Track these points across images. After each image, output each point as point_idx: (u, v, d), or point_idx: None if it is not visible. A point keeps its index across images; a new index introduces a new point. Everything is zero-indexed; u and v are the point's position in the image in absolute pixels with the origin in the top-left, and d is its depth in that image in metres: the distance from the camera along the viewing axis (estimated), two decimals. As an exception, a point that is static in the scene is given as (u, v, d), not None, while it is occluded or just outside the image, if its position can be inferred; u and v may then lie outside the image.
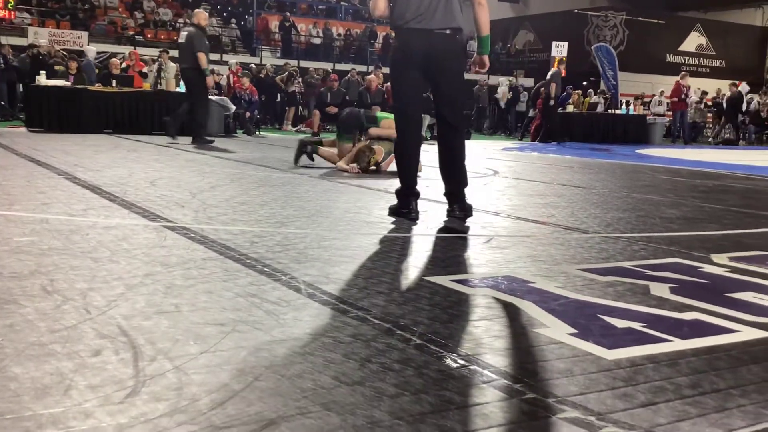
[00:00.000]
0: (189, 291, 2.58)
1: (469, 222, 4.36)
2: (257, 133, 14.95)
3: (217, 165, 7.72)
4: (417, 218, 4.44)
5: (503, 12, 34.08)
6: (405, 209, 4.50)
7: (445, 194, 4.45)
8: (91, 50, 17.25)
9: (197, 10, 11.09)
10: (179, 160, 7.99)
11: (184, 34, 10.90)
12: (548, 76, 16.34)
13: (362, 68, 22.95)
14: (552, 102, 15.92)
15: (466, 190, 4.44)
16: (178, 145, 10.29)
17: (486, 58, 4.62)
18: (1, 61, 15.31)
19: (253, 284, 2.71)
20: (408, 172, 4.53)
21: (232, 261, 3.08)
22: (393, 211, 4.57)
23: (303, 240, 3.65)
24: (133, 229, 3.72)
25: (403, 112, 4.52)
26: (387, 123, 7.48)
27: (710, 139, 21.14)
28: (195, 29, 10.65)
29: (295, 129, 17.66)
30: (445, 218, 4.42)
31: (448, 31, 4.39)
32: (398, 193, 4.59)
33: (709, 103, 22.38)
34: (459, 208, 4.35)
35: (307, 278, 2.83)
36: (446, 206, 4.44)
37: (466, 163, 4.46)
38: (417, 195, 4.55)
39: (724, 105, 20.68)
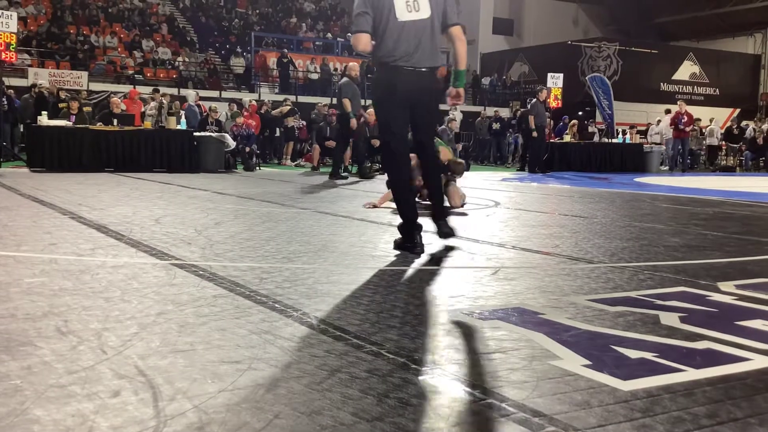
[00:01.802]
0: (202, 329, 2.59)
1: (471, 253, 4.39)
2: (257, 168, 15.02)
3: (220, 201, 7.76)
4: (422, 251, 4.47)
5: (498, 44, 34.50)
6: (410, 243, 4.53)
7: (433, 206, 4.68)
8: (191, 94, 17.54)
9: (351, 63, 12.47)
10: (182, 197, 8.03)
11: (339, 83, 12.45)
12: (528, 107, 16.56)
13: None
14: (534, 134, 16.01)
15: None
16: (180, 182, 10.34)
17: (462, 90, 4.73)
18: (5, 102, 15.43)
19: (265, 321, 2.72)
20: (407, 206, 4.57)
21: (243, 298, 3.10)
22: (398, 245, 4.60)
23: (311, 275, 3.67)
24: (142, 268, 3.74)
25: (393, 149, 4.57)
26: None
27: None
28: (347, 79, 12.13)
29: (294, 164, 17.74)
30: (437, 230, 4.70)
31: (433, 69, 4.53)
32: (401, 228, 4.63)
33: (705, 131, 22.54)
34: (444, 221, 4.67)
35: (319, 314, 2.85)
36: (431, 218, 4.73)
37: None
38: (419, 228, 4.58)
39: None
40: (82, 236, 4.82)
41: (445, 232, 4.69)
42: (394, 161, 4.60)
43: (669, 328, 2.77)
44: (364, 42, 4.43)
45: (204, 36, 28.10)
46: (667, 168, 19.69)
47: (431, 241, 5.01)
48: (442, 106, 7.57)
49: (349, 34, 28.86)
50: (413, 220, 4.54)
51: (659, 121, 20.72)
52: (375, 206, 7.50)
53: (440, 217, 4.73)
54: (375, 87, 4.89)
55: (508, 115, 23.33)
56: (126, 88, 20.45)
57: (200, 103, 17.51)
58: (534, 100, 16.40)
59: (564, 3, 36.09)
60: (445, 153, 7.73)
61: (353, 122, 11.92)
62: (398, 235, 4.64)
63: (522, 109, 19.47)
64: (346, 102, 11.68)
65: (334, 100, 23.52)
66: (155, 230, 5.18)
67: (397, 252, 4.49)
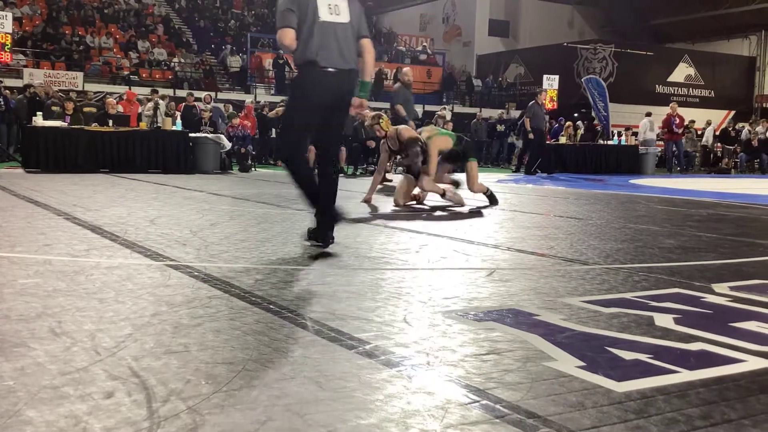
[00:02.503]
0: (196, 330, 2.59)
1: (466, 254, 4.40)
2: (253, 169, 15.00)
3: (215, 202, 7.75)
4: (332, 242, 4.60)
5: (494, 46, 34.54)
6: (322, 234, 4.62)
7: (322, 215, 4.64)
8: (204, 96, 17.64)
9: (405, 68, 12.63)
10: (177, 198, 8.02)
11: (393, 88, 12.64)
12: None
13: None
14: (531, 135, 16.01)
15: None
16: (175, 183, 10.32)
17: (365, 101, 4.80)
18: (2, 102, 15.39)
19: (259, 322, 2.72)
20: (315, 197, 4.64)
21: (238, 299, 3.10)
22: (311, 235, 4.69)
23: (306, 276, 3.67)
24: (136, 269, 3.73)
25: (297, 143, 4.67)
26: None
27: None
28: (399, 84, 12.17)
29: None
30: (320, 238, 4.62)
31: (352, 72, 4.64)
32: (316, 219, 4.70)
33: (699, 132, 22.59)
34: (331, 234, 4.64)
35: (314, 315, 2.84)
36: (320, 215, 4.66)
37: None
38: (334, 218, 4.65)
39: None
40: (76, 237, 4.81)
41: (329, 237, 4.63)
42: (297, 155, 4.67)
43: (663, 329, 2.78)
44: (290, 37, 4.48)
45: (200, 37, 28.09)
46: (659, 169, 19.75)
47: (427, 243, 5.02)
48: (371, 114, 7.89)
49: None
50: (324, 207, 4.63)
51: (652, 122, 20.72)
52: (368, 201, 7.72)
53: (331, 224, 4.66)
54: (295, 85, 4.99)
55: (505, 116, 23.34)
56: (121, 89, 20.42)
57: (195, 103, 17.48)
58: (532, 102, 16.39)
59: (560, 5, 36.15)
60: (447, 142, 7.84)
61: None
62: (397, 238, 4.64)
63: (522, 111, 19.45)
64: (399, 108, 11.53)
65: (330, 102, 23.64)
66: (150, 231, 5.17)
67: (394, 253, 4.49)
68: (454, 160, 7.94)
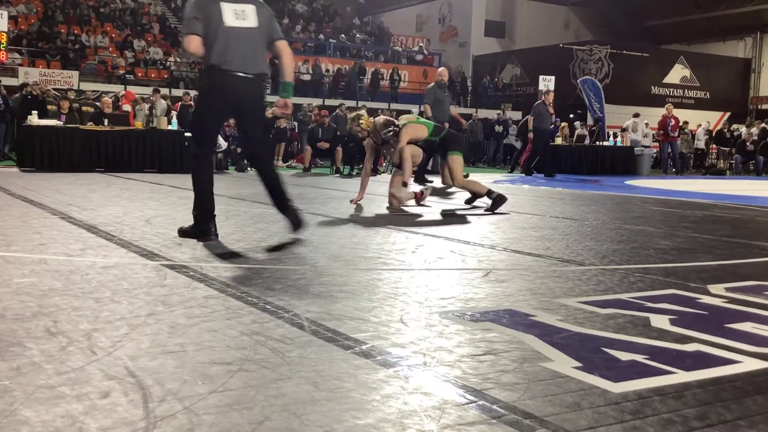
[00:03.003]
0: (193, 330, 2.58)
1: (463, 255, 4.40)
2: (249, 169, 14.98)
3: (211, 202, 7.73)
4: (216, 237, 4.80)
5: (490, 46, 34.57)
6: (206, 230, 4.80)
7: (278, 206, 4.96)
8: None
9: (441, 68, 12.36)
10: (173, 198, 8.00)
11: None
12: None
13: (351, 103, 23.13)
14: (530, 134, 15.98)
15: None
16: (171, 183, 10.30)
17: (289, 101, 4.97)
18: (1, 102, 15.34)
19: (256, 322, 2.72)
20: (209, 199, 4.85)
21: (234, 299, 3.09)
22: (186, 233, 4.86)
23: (303, 276, 3.67)
24: (132, 269, 3.72)
25: (203, 143, 4.93)
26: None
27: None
28: (432, 84, 11.99)
29: (285, 164, 17.71)
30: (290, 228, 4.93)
31: (259, 76, 4.84)
32: (198, 217, 4.84)
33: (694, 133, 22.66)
34: (292, 212, 4.93)
35: (310, 315, 2.84)
36: (281, 212, 4.97)
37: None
38: (214, 218, 4.87)
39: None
40: (72, 236, 4.80)
41: (297, 221, 4.93)
42: (200, 161, 4.91)
43: (659, 330, 2.78)
44: (195, 44, 4.66)
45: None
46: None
47: (423, 243, 5.02)
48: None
49: (336, 37, 28.65)
50: (212, 212, 4.85)
51: (647, 123, 20.77)
52: (357, 201, 7.59)
53: (295, 220, 4.94)
54: (201, 90, 5.22)
55: (502, 117, 23.35)
56: (117, 88, 20.40)
57: (191, 103, 17.45)
58: (539, 102, 16.35)
59: (556, 6, 36.21)
60: (422, 131, 7.48)
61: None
62: (391, 237, 4.64)
63: (528, 115, 19.42)
64: (427, 108, 11.51)
65: (326, 102, 23.64)
66: (146, 231, 5.16)
67: (390, 254, 4.50)
68: (429, 151, 7.75)
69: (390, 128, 7.43)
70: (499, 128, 22.13)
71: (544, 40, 32.06)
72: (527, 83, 29.43)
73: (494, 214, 7.23)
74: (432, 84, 12.06)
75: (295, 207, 4.97)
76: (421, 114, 11.37)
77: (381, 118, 7.71)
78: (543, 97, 16.27)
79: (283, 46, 4.92)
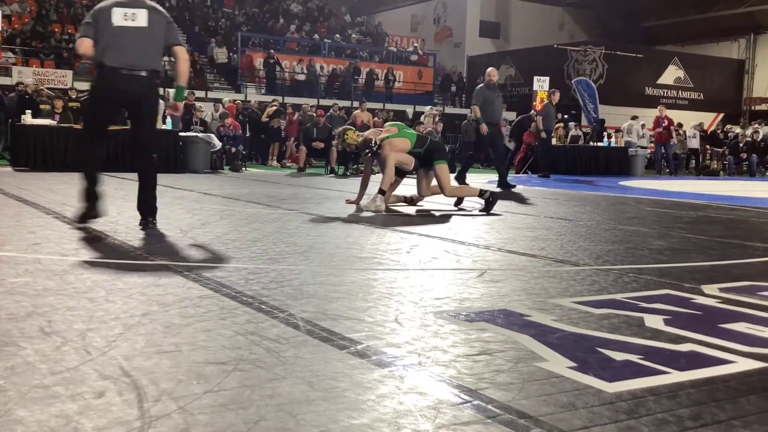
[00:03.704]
0: (187, 330, 2.58)
1: (457, 255, 4.40)
2: (243, 169, 14.97)
3: (206, 202, 7.73)
4: (98, 215, 5.19)
5: (485, 47, 34.60)
6: (92, 210, 5.17)
7: (140, 210, 5.26)
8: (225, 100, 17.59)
9: (490, 68, 11.78)
10: (167, 198, 7.98)
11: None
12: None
13: (346, 104, 23.13)
14: (543, 135, 15.91)
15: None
16: (165, 183, 10.27)
17: (180, 105, 5.42)
18: None
19: (251, 322, 2.71)
20: (94, 182, 5.16)
21: (228, 299, 3.09)
22: (83, 217, 5.15)
23: (297, 276, 3.66)
24: (126, 269, 3.71)
25: (92, 138, 5.27)
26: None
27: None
28: (482, 85, 11.66)
29: (280, 164, 17.70)
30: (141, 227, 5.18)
31: (151, 74, 5.09)
32: (86, 199, 5.15)
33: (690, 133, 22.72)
34: (152, 219, 5.26)
35: (305, 315, 2.84)
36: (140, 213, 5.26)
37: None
38: (99, 198, 5.19)
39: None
40: (66, 236, 4.79)
41: (149, 224, 5.23)
42: (85, 154, 5.26)
43: (653, 330, 2.79)
44: (84, 45, 5.01)
45: (190, 36, 27.98)
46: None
47: (418, 243, 5.02)
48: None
49: (331, 37, 28.63)
50: (94, 193, 5.16)
51: (643, 125, 20.82)
52: (354, 202, 7.55)
53: (149, 214, 5.28)
54: (92, 87, 5.56)
55: (512, 118, 23.32)
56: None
57: (195, 102, 17.42)
58: (546, 102, 16.33)
59: (550, 6, 36.26)
60: (404, 144, 7.32)
61: (483, 128, 11.24)
62: (393, 240, 4.65)
63: (522, 116, 19.39)
64: (476, 108, 11.32)
65: (321, 102, 23.63)
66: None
67: (385, 254, 4.50)
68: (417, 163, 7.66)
69: (366, 149, 7.43)
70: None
71: (538, 40, 32.09)
72: (522, 84, 29.47)
73: (489, 214, 7.23)
74: (480, 85, 11.72)
75: (153, 223, 5.23)
76: (409, 125, 11.26)
77: (361, 137, 7.61)
78: (551, 96, 16.25)
79: (179, 51, 5.20)
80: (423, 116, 18.11)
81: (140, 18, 5.01)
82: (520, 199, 9.62)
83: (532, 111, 17.48)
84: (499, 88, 12.44)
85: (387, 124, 8.20)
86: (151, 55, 5.09)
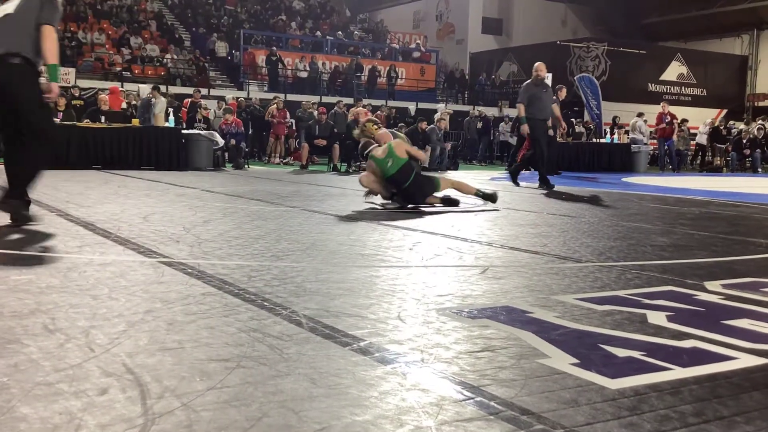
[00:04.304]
0: (190, 327, 2.58)
1: (460, 252, 4.40)
2: (246, 166, 14.99)
3: (209, 199, 7.74)
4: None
5: (487, 44, 34.58)
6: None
7: (10, 190, 5.02)
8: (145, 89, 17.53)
9: (538, 63, 11.30)
10: (170, 195, 8.00)
11: None
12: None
13: (349, 100, 23.13)
14: (550, 132, 15.83)
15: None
16: (168, 180, 10.29)
17: (54, 85, 5.05)
18: None
19: (253, 319, 2.72)
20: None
21: (231, 296, 3.09)
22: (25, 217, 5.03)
23: (300, 273, 3.67)
24: (129, 266, 3.72)
25: None
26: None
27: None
28: (528, 82, 11.23)
29: (283, 162, 17.72)
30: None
31: (16, 57, 4.88)
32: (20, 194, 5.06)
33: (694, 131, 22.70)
34: (11, 205, 5.01)
35: (308, 312, 2.84)
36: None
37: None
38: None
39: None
40: (69, 234, 4.80)
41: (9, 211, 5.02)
42: None
43: (656, 326, 2.79)
44: None
45: (193, 33, 28.00)
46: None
47: (420, 240, 5.02)
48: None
49: (333, 34, 28.71)
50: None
51: (645, 120, 20.78)
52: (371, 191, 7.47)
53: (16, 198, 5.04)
54: None
55: (496, 114, 23.41)
56: (114, 86, 20.33)
57: (201, 100, 17.47)
58: (554, 98, 16.25)
59: (553, 3, 36.21)
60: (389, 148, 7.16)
61: (523, 128, 11.05)
62: (390, 234, 4.64)
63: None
64: (520, 107, 11.00)
65: (323, 99, 23.63)
66: (143, 228, 5.15)
67: (388, 251, 4.50)
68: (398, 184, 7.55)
69: (370, 147, 7.43)
70: (479, 124, 22.13)
71: (541, 37, 32.07)
72: (524, 80, 29.40)
73: (489, 211, 7.23)
74: (527, 81, 11.31)
75: (17, 204, 5.02)
76: (411, 122, 11.10)
77: (379, 132, 7.57)
78: (557, 93, 16.19)
79: (45, 30, 4.95)
80: (436, 116, 18.03)
81: (10, 6, 4.97)
82: (523, 196, 9.61)
83: None
84: (546, 84, 11.92)
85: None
86: (16, 38, 4.91)
